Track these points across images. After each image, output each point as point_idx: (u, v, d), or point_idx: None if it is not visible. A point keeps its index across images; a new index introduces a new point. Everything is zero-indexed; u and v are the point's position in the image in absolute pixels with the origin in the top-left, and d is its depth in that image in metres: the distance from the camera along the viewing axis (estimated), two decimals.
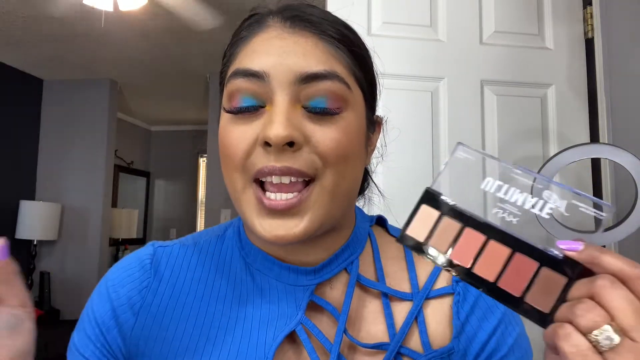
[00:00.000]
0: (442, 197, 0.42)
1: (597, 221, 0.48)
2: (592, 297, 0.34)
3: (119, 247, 4.87)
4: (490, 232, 0.39)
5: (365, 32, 1.46)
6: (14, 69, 3.86)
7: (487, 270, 0.38)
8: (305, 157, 0.45)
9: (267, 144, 0.44)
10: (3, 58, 3.68)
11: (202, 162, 5.63)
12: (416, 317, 0.52)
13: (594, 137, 1.52)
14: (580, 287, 0.35)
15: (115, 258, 4.69)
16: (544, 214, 0.39)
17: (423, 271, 0.55)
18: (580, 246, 0.36)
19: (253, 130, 0.46)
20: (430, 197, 0.42)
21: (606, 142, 1.46)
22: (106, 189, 4.11)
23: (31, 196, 4.02)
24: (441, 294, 0.53)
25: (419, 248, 0.40)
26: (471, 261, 0.39)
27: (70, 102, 4.14)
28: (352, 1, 1.45)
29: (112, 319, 0.52)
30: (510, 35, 1.53)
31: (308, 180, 0.46)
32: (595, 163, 1.52)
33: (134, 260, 0.55)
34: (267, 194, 0.46)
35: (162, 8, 2.76)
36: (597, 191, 1.50)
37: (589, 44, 1.55)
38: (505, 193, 0.40)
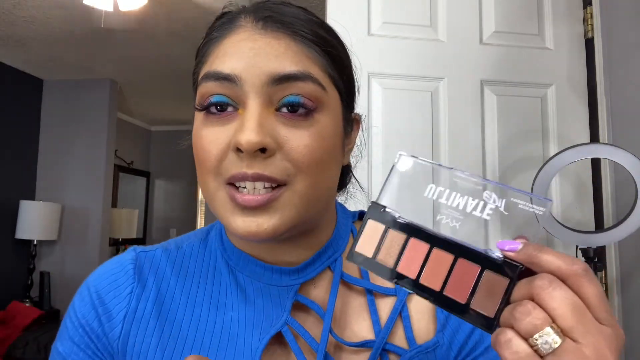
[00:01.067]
0: (387, 210, 0.41)
1: (535, 217, 0.48)
2: (532, 298, 0.33)
3: (119, 247, 4.87)
4: (434, 240, 0.39)
5: (365, 32, 1.46)
6: (14, 69, 3.86)
7: (433, 279, 0.38)
8: (278, 163, 0.45)
9: (239, 149, 0.44)
10: (3, 58, 3.68)
11: None
12: (400, 312, 0.52)
13: (594, 137, 1.52)
14: (520, 288, 0.34)
15: None
16: (485, 215, 0.39)
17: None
18: (518, 245, 0.36)
19: (226, 134, 0.45)
20: (375, 211, 0.42)
21: (606, 142, 1.46)
22: (106, 189, 4.10)
23: (31, 196, 4.02)
24: None
25: (369, 264, 0.40)
26: (417, 271, 0.39)
27: (70, 102, 4.14)
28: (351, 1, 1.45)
29: (99, 325, 0.51)
30: (510, 35, 1.53)
31: (280, 186, 0.46)
32: (595, 163, 1.52)
33: (116, 266, 0.55)
34: (240, 189, 0.45)
35: (162, 8, 2.76)
36: (597, 191, 1.50)
37: (589, 44, 1.55)
38: (448, 198, 0.40)
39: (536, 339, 0.32)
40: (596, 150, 1.21)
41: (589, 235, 1.22)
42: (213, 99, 0.46)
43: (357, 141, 0.58)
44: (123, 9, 2.52)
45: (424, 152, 1.45)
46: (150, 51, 3.49)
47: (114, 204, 4.75)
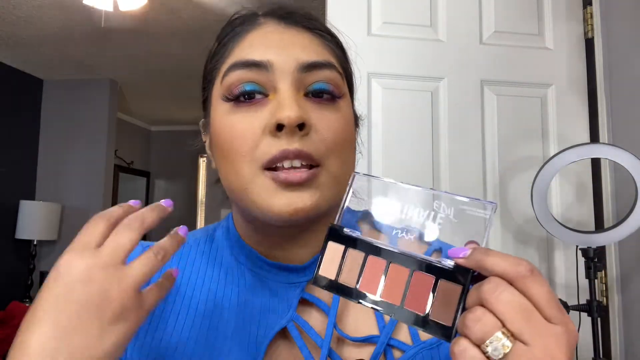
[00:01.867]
0: (345, 230, 0.42)
1: (482, 220, 0.50)
2: (482, 304, 0.33)
3: None
4: (390, 256, 0.40)
5: (365, 32, 1.46)
6: (14, 69, 3.86)
7: (392, 294, 0.38)
8: (313, 142, 0.47)
9: (278, 128, 0.45)
10: (3, 58, 3.68)
11: (202, 162, 5.63)
12: None
13: (594, 137, 1.52)
14: (472, 294, 0.34)
15: None
16: (436, 225, 0.40)
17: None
18: (467, 251, 0.36)
19: (260, 120, 0.47)
20: (334, 233, 0.42)
21: (606, 142, 1.46)
22: (106, 189, 4.10)
23: (31, 196, 4.02)
24: None
25: (332, 286, 0.40)
26: (377, 288, 0.39)
27: (70, 102, 4.13)
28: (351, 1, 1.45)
29: None
30: (510, 35, 1.53)
31: (313, 167, 0.47)
32: (595, 163, 1.52)
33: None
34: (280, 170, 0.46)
35: (162, 8, 2.76)
36: (597, 191, 1.50)
37: (589, 44, 1.55)
38: (401, 212, 0.41)
39: (487, 346, 0.32)
40: (596, 150, 1.21)
41: (589, 235, 1.22)
42: (246, 87, 0.48)
43: (358, 139, 0.59)
44: (123, 9, 2.52)
45: (424, 152, 1.45)
46: (151, 51, 3.49)
47: (114, 204, 4.74)
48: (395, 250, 0.40)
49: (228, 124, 0.48)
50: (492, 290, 0.32)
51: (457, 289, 0.36)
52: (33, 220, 3.68)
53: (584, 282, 1.30)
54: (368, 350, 0.50)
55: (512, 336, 0.32)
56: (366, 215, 0.61)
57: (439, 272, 0.37)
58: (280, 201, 0.46)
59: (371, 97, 1.44)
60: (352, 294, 0.40)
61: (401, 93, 1.46)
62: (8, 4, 2.76)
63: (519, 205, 1.47)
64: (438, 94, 1.48)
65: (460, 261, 0.36)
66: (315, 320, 0.52)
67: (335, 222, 0.43)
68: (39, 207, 3.74)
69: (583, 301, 1.30)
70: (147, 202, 5.64)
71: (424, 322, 0.37)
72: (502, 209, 1.47)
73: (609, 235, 1.19)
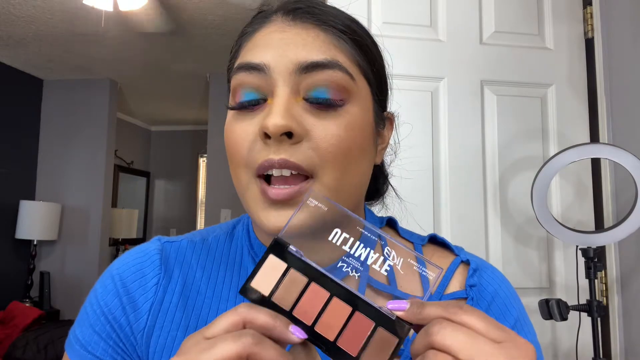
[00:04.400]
0: (291, 248, 0.40)
1: (425, 280, 0.52)
2: (431, 347, 0.34)
3: (119, 247, 4.87)
4: (335, 289, 0.38)
5: None
6: (14, 69, 3.86)
7: (328, 328, 0.37)
8: (304, 151, 0.44)
9: (266, 135, 0.44)
10: (3, 58, 3.68)
11: (202, 162, 5.63)
12: None
13: (594, 137, 1.52)
14: (419, 340, 0.35)
15: (115, 258, 4.69)
16: (382, 271, 0.39)
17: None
18: (405, 305, 0.36)
19: (255, 125, 0.46)
20: (278, 248, 0.40)
21: (606, 142, 1.46)
22: (106, 189, 4.10)
23: (31, 196, 4.02)
24: (454, 299, 0.53)
25: (262, 301, 0.38)
26: (314, 318, 0.38)
27: (70, 102, 4.14)
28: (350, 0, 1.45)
29: (123, 315, 0.50)
30: (510, 35, 1.53)
31: (307, 177, 0.46)
32: (595, 163, 1.52)
33: (142, 255, 0.54)
34: (272, 185, 0.45)
35: (162, 8, 2.76)
36: (597, 191, 1.50)
37: (589, 44, 1.55)
38: (351, 247, 0.40)
39: None
40: (596, 150, 1.21)
41: (589, 235, 1.22)
42: (244, 97, 0.47)
43: (391, 141, 0.56)
44: (123, 9, 2.52)
45: (424, 152, 1.45)
46: (151, 51, 3.49)
47: (114, 204, 4.76)
48: (343, 286, 0.38)
49: (230, 129, 0.48)
50: (437, 330, 0.33)
51: (393, 339, 0.36)
52: (33, 220, 3.68)
53: (584, 282, 1.30)
54: None
55: None
56: (391, 222, 0.60)
57: (379, 319, 0.37)
58: (267, 217, 0.45)
59: None
60: (284, 316, 0.38)
61: (401, 93, 1.45)
62: (8, 4, 2.76)
63: (519, 205, 1.47)
64: (438, 94, 1.48)
65: (401, 314, 0.36)
66: None
67: (279, 236, 0.40)
68: (39, 207, 3.74)
69: (583, 301, 1.31)
70: (147, 202, 5.64)
71: None
72: (502, 209, 1.47)
73: (609, 235, 1.19)
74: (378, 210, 0.62)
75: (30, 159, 4.06)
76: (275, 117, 0.43)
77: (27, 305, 3.50)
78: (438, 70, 1.48)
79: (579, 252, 1.29)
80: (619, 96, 1.44)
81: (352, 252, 0.40)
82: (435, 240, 0.58)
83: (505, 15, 1.54)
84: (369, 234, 0.43)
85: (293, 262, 0.39)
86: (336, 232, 0.40)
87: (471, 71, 1.49)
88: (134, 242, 5.06)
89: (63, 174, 4.08)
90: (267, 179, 0.46)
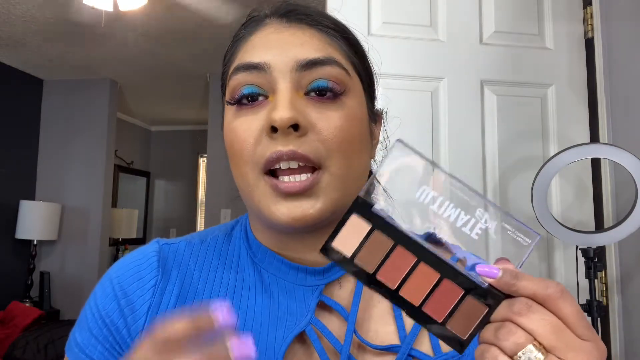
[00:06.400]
0: (375, 208, 0.38)
1: (521, 246, 0.48)
2: (512, 321, 0.34)
3: (119, 247, 4.87)
4: (422, 253, 0.37)
5: (365, 32, 1.46)
6: (14, 69, 3.86)
7: (413, 293, 0.36)
8: (311, 143, 0.46)
9: (272, 129, 0.45)
10: (3, 58, 3.68)
11: (202, 162, 5.62)
12: None
13: (594, 137, 1.52)
14: (501, 311, 0.35)
15: (115, 258, 4.69)
16: (473, 234, 0.37)
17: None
18: (498, 272, 0.36)
19: (259, 121, 0.47)
20: (362, 207, 0.37)
21: (606, 142, 1.46)
22: (106, 189, 4.10)
23: (31, 196, 4.02)
24: None
25: (344, 262, 0.37)
26: (398, 283, 0.36)
27: (70, 102, 4.14)
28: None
29: (121, 318, 0.51)
30: (510, 35, 1.53)
31: (315, 169, 0.47)
32: (595, 163, 1.52)
33: (140, 258, 0.54)
34: (281, 178, 0.46)
35: (162, 8, 2.76)
36: (597, 191, 1.50)
37: (589, 44, 1.55)
38: (440, 207, 0.37)
39: (520, 357, 0.33)
40: (596, 150, 1.21)
41: (589, 235, 1.22)
42: (244, 91, 0.48)
43: (380, 137, 0.58)
44: (123, 9, 2.52)
45: (424, 152, 1.45)
46: (150, 51, 3.49)
47: (114, 204, 4.75)
48: (430, 250, 0.37)
49: (232, 128, 0.49)
50: (524, 312, 0.34)
51: (483, 308, 0.36)
52: (33, 220, 3.68)
53: (584, 282, 1.30)
54: (388, 359, 0.49)
55: (544, 350, 0.33)
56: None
57: (469, 287, 0.36)
58: (280, 210, 0.46)
59: None
60: (367, 278, 0.37)
61: (401, 93, 1.46)
62: (8, 3, 2.76)
63: (519, 205, 1.47)
64: (438, 94, 1.48)
65: (491, 281, 0.36)
66: (333, 324, 0.51)
67: (362, 195, 0.38)
68: (39, 207, 3.74)
69: (583, 301, 1.31)
70: (147, 202, 5.64)
71: (437, 328, 0.36)
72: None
73: (609, 235, 1.19)
74: None
75: (30, 159, 4.06)
76: (281, 110, 0.45)
77: (27, 305, 3.51)
78: (438, 70, 1.48)
79: (579, 252, 1.29)
80: (619, 96, 1.44)
81: (440, 212, 0.37)
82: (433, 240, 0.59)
83: (505, 15, 1.54)
84: (460, 194, 0.39)
85: (378, 223, 0.37)
86: (424, 190, 0.37)
87: (471, 71, 1.49)
88: (134, 242, 5.07)
89: (63, 174, 4.08)
90: (272, 174, 0.47)
